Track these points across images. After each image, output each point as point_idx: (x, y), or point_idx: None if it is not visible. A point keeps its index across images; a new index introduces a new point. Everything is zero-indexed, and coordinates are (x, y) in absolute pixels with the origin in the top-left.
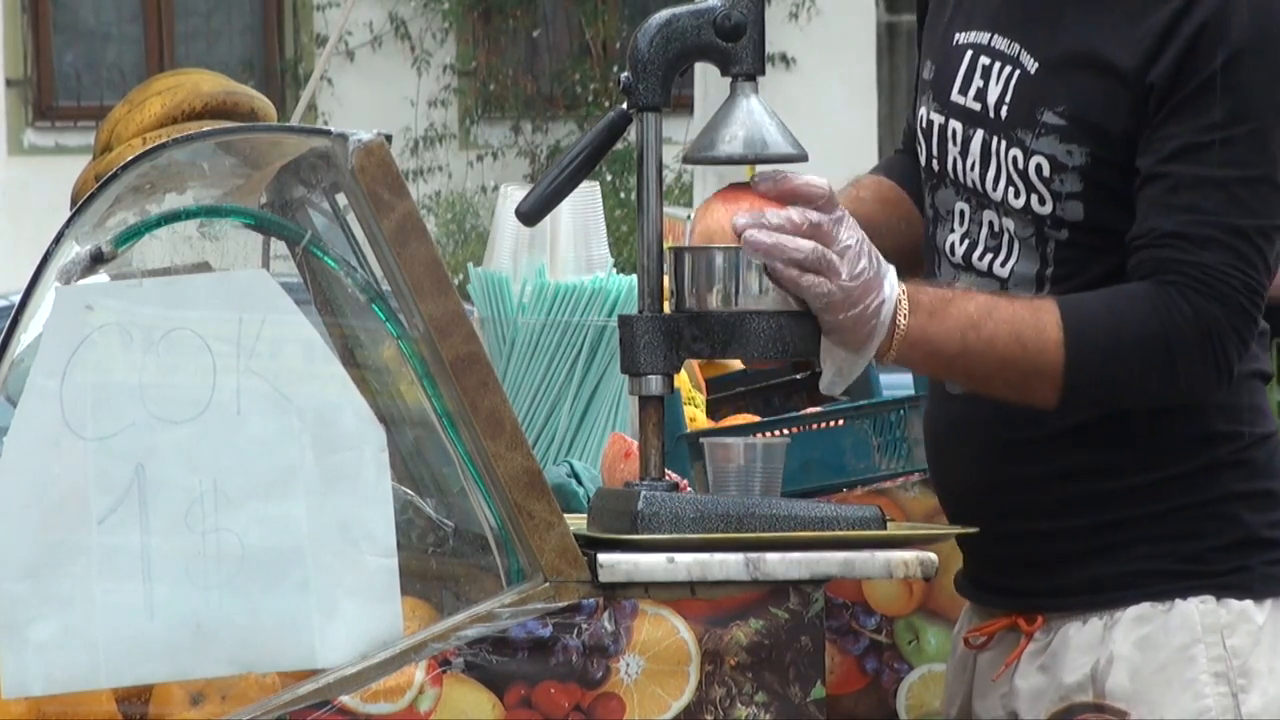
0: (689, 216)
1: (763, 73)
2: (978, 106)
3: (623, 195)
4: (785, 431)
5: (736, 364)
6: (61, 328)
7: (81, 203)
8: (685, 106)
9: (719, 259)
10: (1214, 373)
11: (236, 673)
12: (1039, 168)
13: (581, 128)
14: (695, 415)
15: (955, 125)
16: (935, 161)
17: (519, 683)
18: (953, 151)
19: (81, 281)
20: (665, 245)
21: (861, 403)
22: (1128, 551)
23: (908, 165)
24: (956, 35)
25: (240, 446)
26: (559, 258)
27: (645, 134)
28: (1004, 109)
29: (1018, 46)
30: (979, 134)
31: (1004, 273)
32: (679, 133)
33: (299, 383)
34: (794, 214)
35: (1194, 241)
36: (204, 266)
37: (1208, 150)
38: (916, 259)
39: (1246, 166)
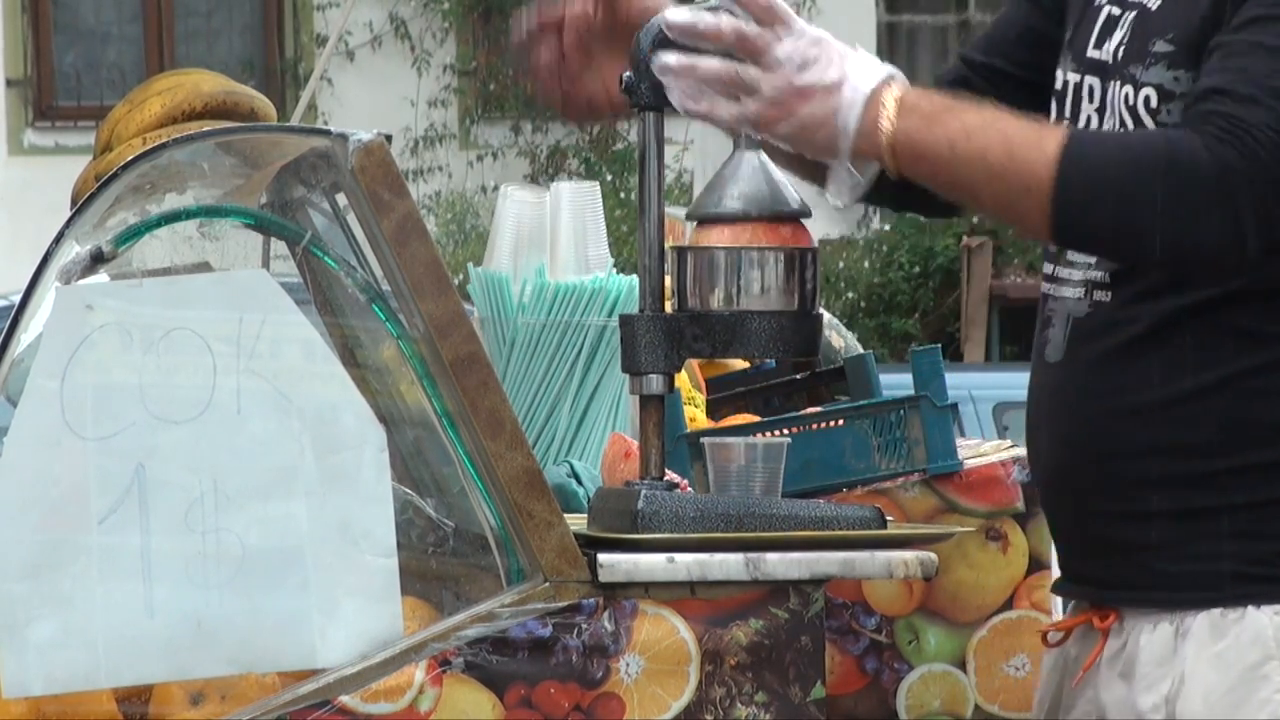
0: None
1: None
2: (1108, 58)
3: (623, 195)
4: (785, 431)
5: (736, 364)
6: (61, 328)
7: (81, 203)
8: None
9: (721, 259)
10: (1219, 221)
11: (236, 673)
12: (1147, 100)
13: (581, 128)
14: (695, 415)
15: (1091, 81)
16: (1068, 123)
17: (519, 683)
18: (1087, 110)
19: (81, 281)
20: (666, 245)
21: (861, 403)
22: (1198, 546)
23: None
24: None
25: (240, 446)
26: (559, 258)
27: (646, 133)
28: (1121, 50)
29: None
30: (1105, 86)
31: None
32: (679, 133)
33: (299, 383)
34: (724, 23)
35: (1234, 97)
36: (204, 266)
37: (1271, 22)
38: None
39: None
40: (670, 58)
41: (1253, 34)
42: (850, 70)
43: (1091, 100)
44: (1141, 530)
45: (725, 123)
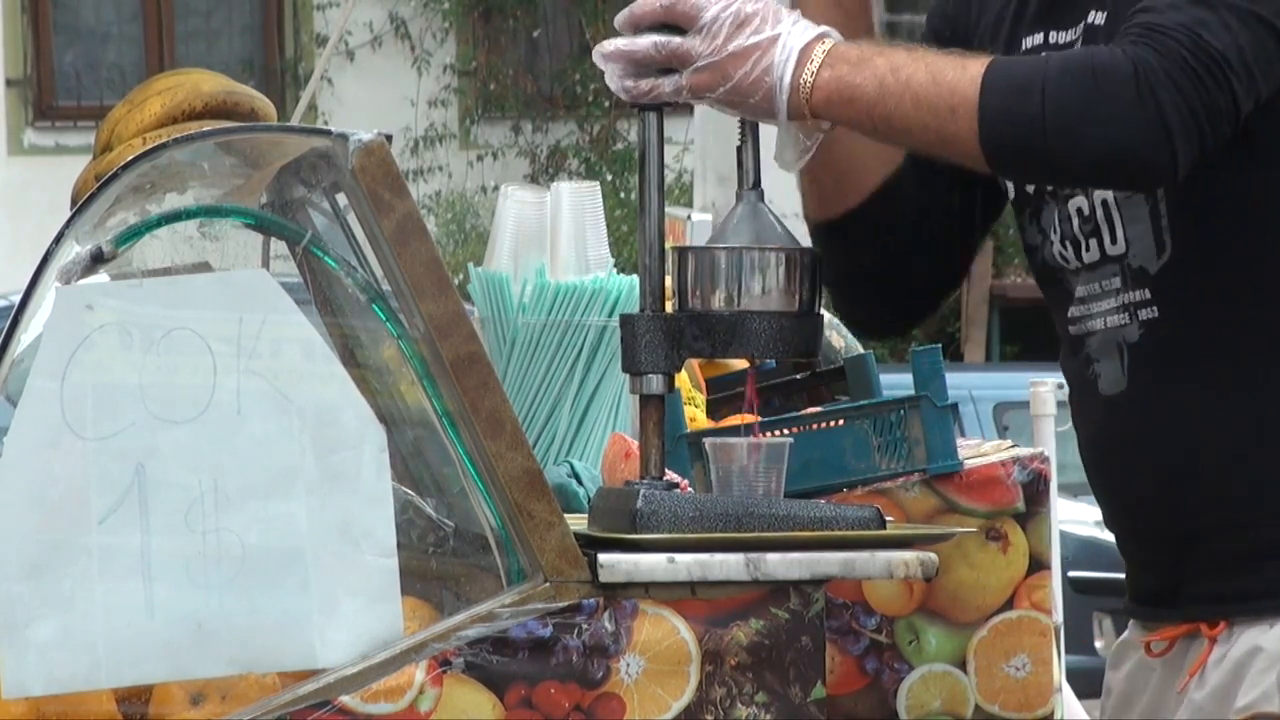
0: (689, 216)
1: None
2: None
3: (623, 195)
4: (785, 431)
5: (737, 364)
6: (61, 328)
7: (82, 203)
8: (686, 106)
9: (722, 259)
10: (1142, 119)
11: (236, 673)
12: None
13: (581, 128)
14: (695, 415)
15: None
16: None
17: (519, 683)
18: None
19: (81, 281)
20: (667, 245)
21: (861, 403)
22: None
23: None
24: (1024, 39)
25: (240, 446)
26: (559, 258)
27: (646, 134)
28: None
29: (1093, 13)
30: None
31: (1116, 248)
32: (679, 133)
33: (299, 383)
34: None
35: (1154, 11)
36: (204, 266)
37: None
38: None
39: None
40: (607, 45)
41: None
42: (784, 29)
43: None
44: (1250, 541)
45: (668, 97)
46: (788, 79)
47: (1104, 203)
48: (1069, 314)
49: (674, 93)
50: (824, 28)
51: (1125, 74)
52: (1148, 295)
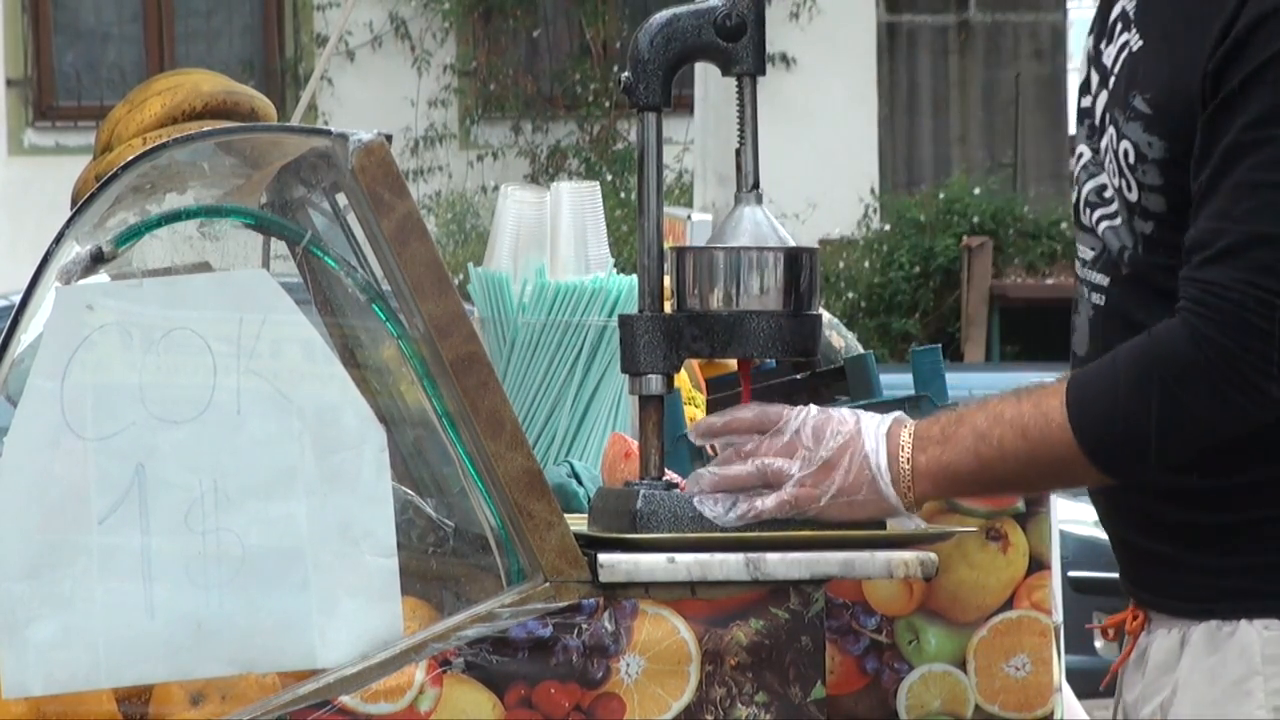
0: (689, 216)
1: (763, 73)
2: (1107, 64)
3: (623, 195)
4: None
5: (737, 364)
6: (61, 328)
7: (82, 203)
8: (686, 106)
9: (720, 259)
10: (1231, 395)
11: (236, 673)
12: (1126, 153)
13: (581, 128)
14: (695, 415)
15: (1094, 75)
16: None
17: (519, 683)
18: (1090, 100)
19: (82, 281)
20: (666, 245)
21: (861, 403)
22: (1202, 560)
23: None
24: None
25: (240, 446)
26: (559, 258)
27: (646, 134)
28: (1111, 80)
29: (1135, 8)
30: (1103, 94)
31: (1103, 226)
32: (679, 133)
33: (299, 383)
34: (745, 467)
35: (1209, 254)
36: (204, 266)
37: (1246, 152)
38: None
39: None
40: (705, 478)
41: (1227, 166)
42: (859, 421)
43: (1091, 92)
44: (1157, 540)
45: (772, 513)
46: (884, 466)
47: (1103, 189)
48: (1080, 255)
49: (779, 508)
50: (893, 414)
51: (1198, 368)
52: (1108, 275)
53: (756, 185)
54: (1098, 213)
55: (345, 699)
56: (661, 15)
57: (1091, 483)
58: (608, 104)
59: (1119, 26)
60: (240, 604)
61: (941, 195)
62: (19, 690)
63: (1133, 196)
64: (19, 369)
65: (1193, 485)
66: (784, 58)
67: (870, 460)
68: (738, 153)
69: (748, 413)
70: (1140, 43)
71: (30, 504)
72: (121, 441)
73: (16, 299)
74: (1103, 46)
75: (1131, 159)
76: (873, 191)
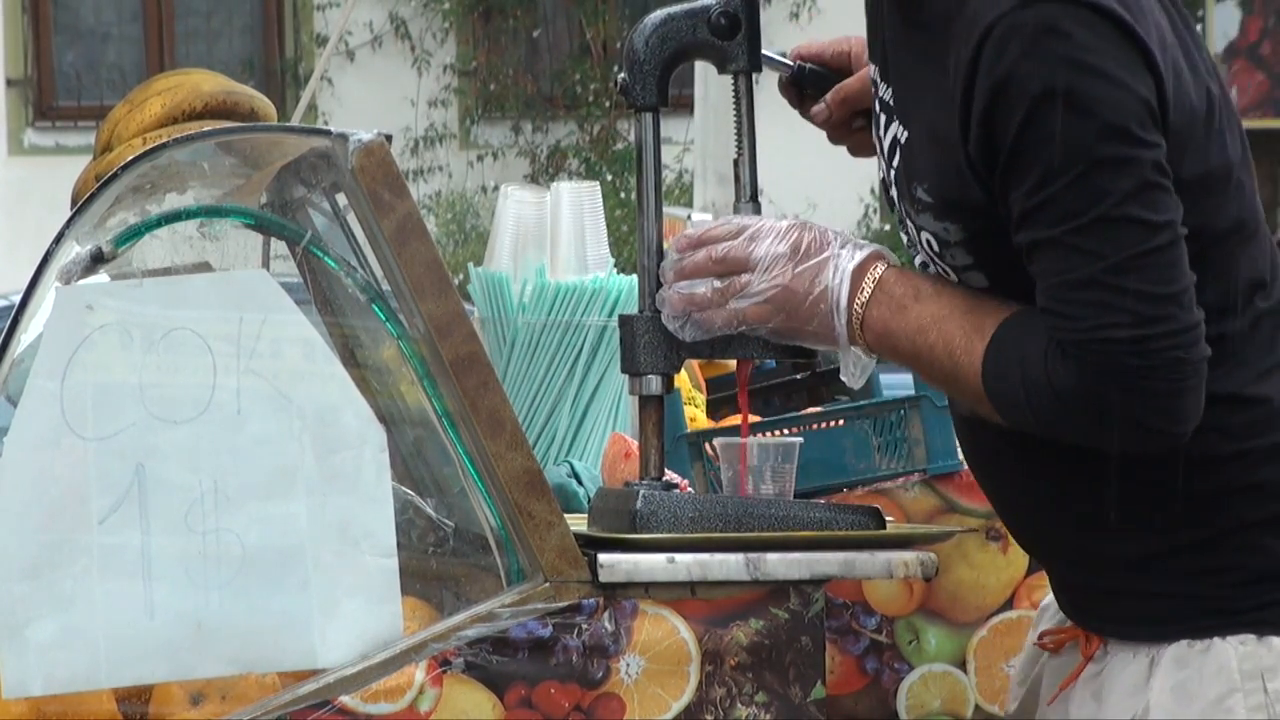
0: (689, 216)
1: (759, 70)
2: (885, 152)
3: (623, 195)
4: (786, 431)
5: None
6: (62, 328)
7: (82, 203)
8: (686, 106)
9: None
10: (1138, 433)
11: (236, 673)
12: (929, 242)
13: (581, 128)
14: (695, 415)
15: (880, 162)
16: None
17: (519, 683)
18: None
19: (82, 281)
20: (665, 245)
21: (861, 403)
22: (1162, 584)
23: None
24: (872, 68)
25: (240, 446)
26: (559, 258)
27: (643, 134)
28: (893, 172)
29: (892, 97)
30: (891, 185)
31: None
32: (679, 132)
33: (299, 383)
34: (700, 255)
35: (1055, 314)
36: (204, 266)
37: (1038, 213)
38: None
39: (1078, 215)
40: (670, 295)
41: (1030, 232)
42: (832, 252)
43: (889, 181)
44: (1108, 574)
45: (721, 328)
46: (843, 304)
47: (927, 266)
48: None
49: (727, 323)
50: (875, 246)
51: (1087, 407)
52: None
53: (755, 196)
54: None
55: (345, 699)
56: (656, 15)
57: (990, 417)
58: (608, 104)
59: (883, 118)
60: (240, 604)
61: None
62: (19, 690)
63: (954, 279)
64: (19, 369)
65: (1142, 516)
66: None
67: (831, 294)
68: (736, 163)
69: (724, 227)
70: (905, 134)
71: (30, 504)
72: (121, 441)
73: (16, 299)
74: (879, 133)
75: (936, 247)
76: (873, 191)
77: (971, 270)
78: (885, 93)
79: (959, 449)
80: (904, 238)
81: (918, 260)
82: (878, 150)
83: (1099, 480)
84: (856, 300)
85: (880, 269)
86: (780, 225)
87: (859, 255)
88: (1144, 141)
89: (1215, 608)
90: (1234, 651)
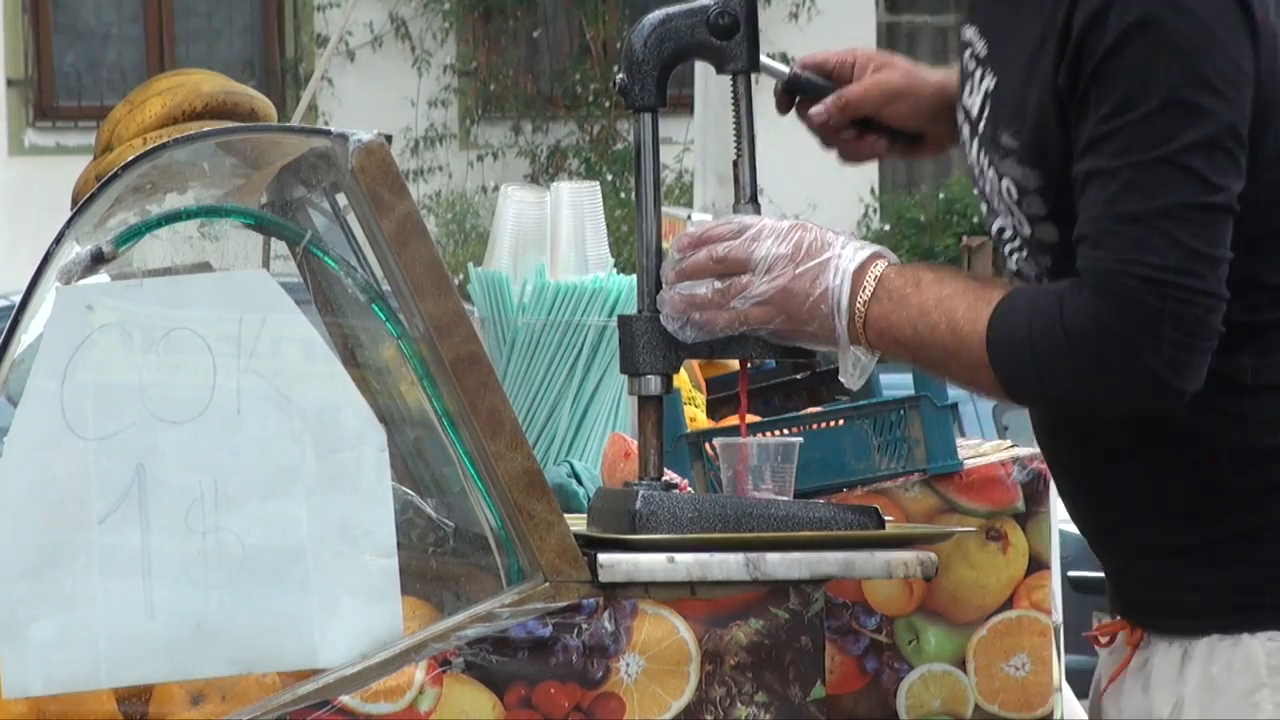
0: (689, 216)
1: (758, 70)
2: (973, 112)
3: (623, 195)
4: (786, 431)
5: (736, 364)
6: (62, 328)
7: (82, 203)
8: (686, 106)
9: None
10: (1128, 377)
11: (237, 673)
12: (1009, 191)
13: (581, 128)
14: (695, 415)
15: (965, 129)
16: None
17: (519, 683)
18: (973, 153)
19: (82, 281)
20: (665, 245)
21: (861, 403)
22: (1196, 576)
23: None
24: (964, 28)
25: (240, 446)
26: (559, 258)
27: (642, 134)
28: (981, 124)
29: (985, 49)
30: (975, 147)
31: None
32: (678, 133)
33: (299, 383)
34: (700, 255)
35: (1091, 241)
36: (204, 266)
37: (1103, 142)
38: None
39: (1141, 150)
40: (672, 297)
41: (1092, 160)
42: (834, 253)
43: (969, 149)
44: (1149, 564)
45: (724, 329)
46: (844, 304)
47: (1004, 230)
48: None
49: (728, 325)
50: (876, 247)
51: (1098, 346)
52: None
53: (755, 198)
54: (1008, 248)
55: (345, 699)
56: (654, 15)
57: (992, 395)
58: (608, 104)
59: (976, 72)
60: (240, 604)
61: (941, 195)
62: (19, 690)
63: (1026, 232)
64: (19, 369)
65: (1180, 508)
66: (784, 58)
67: (832, 295)
68: (735, 163)
69: (725, 227)
70: (994, 80)
71: (30, 504)
72: (121, 441)
73: (16, 299)
74: (966, 98)
75: (1015, 195)
76: (873, 191)
77: (1045, 222)
78: (979, 46)
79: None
80: (981, 196)
81: (994, 227)
82: (961, 118)
83: (1149, 470)
84: (858, 299)
85: (881, 266)
86: (781, 226)
87: (860, 255)
88: (1225, 98)
89: (1247, 603)
90: (1262, 648)
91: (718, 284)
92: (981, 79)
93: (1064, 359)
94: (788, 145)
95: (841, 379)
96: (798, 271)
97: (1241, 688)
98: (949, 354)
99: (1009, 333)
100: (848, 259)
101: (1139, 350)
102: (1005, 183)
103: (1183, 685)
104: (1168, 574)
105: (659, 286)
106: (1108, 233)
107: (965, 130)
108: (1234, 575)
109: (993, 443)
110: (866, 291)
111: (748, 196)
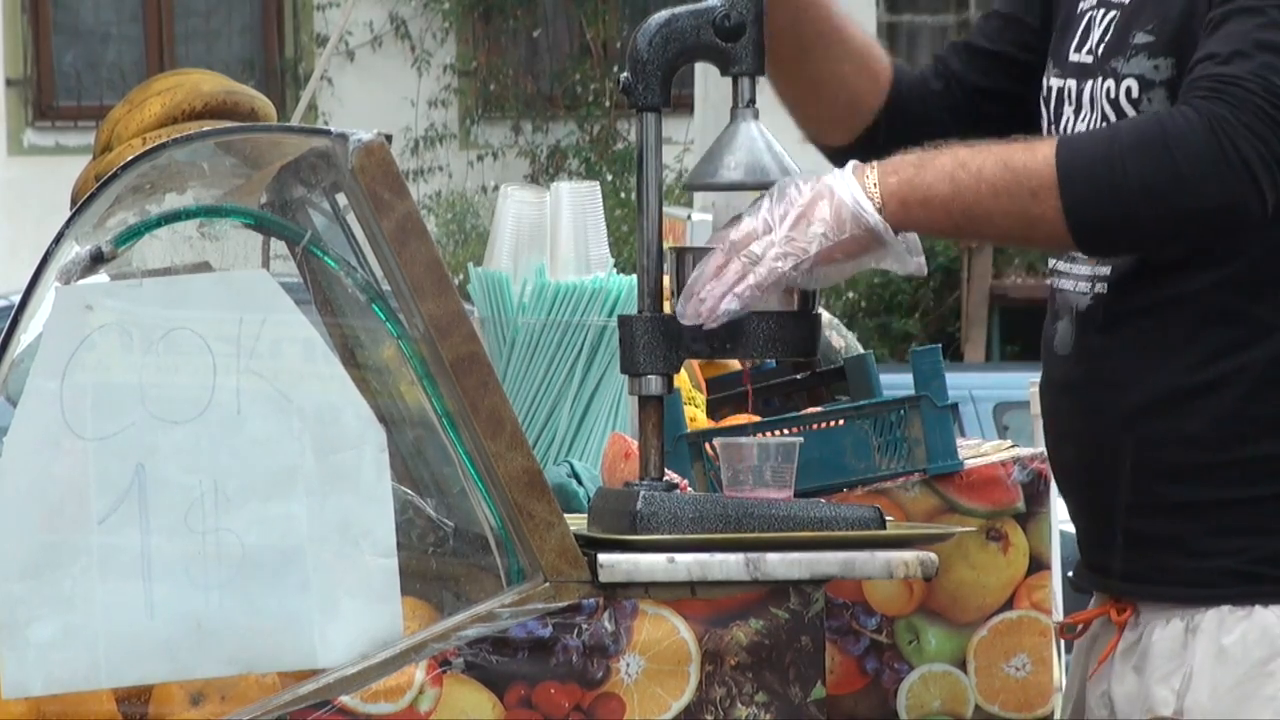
0: (689, 216)
1: (763, 73)
2: (1088, 59)
3: (623, 195)
4: (786, 431)
5: (737, 364)
6: (61, 328)
7: (81, 203)
8: (686, 106)
9: None
10: (1227, 173)
11: (236, 673)
12: (1128, 91)
13: (581, 128)
14: (695, 415)
15: (1070, 84)
16: (1053, 127)
17: (519, 683)
18: (1067, 113)
19: (81, 281)
20: (665, 245)
21: (861, 403)
22: (1207, 542)
23: (918, 78)
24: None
25: (240, 446)
26: (559, 258)
27: (645, 134)
28: (1101, 46)
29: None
30: (1087, 85)
31: None
32: (679, 133)
33: (299, 383)
34: (709, 262)
35: (1218, 59)
36: (204, 266)
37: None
38: (861, 96)
39: None
40: (699, 307)
41: (1233, 4)
42: (824, 177)
43: (1070, 102)
44: (1155, 524)
45: (766, 281)
46: (860, 196)
47: None
48: (1057, 268)
49: (771, 276)
50: (851, 162)
51: (1200, 134)
52: (1107, 270)
53: (753, 101)
54: None
55: (345, 699)
56: (660, 15)
57: (1050, 238)
58: (608, 104)
59: (1093, 19)
60: (240, 604)
61: None
62: (19, 690)
63: None
64: (19, 369)
65: (1197, 460)
66: None
67: (839, 193)
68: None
69: (717, 258)
70: None
71: (30, 504)
72: (121, 441)
73: (16, 299)
74: (1073, 56)
75: (1135, 93)
76: None
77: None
78: None
79: (1043, 401)
80: (1066, 111)
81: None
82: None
83: (1188, 404)
84: (868, 182)
85: (874, 164)
86: (761, 201)
87: (847, 168)
88: None
89: (1260, 573)
90: (1276, 619)
91: (738, 261)
92: (1107, 14)
93: (1157, 152)
94: (787, 145)
95: (896, 269)
96: (804, 201)
97: (1259, 657)
98: (999, 192)
99: (1083, 147)
100: (836, 174)
101: (1238, 138)
102: (1125, 84)
103: (1188, 659)
104: (1174, 533)
105: (659, 287)
106: (1240, 54)
107: (1072, 83)
108: (1251, 542)
109: (993, 443)
110: (872, 175)
111: (746, 101)
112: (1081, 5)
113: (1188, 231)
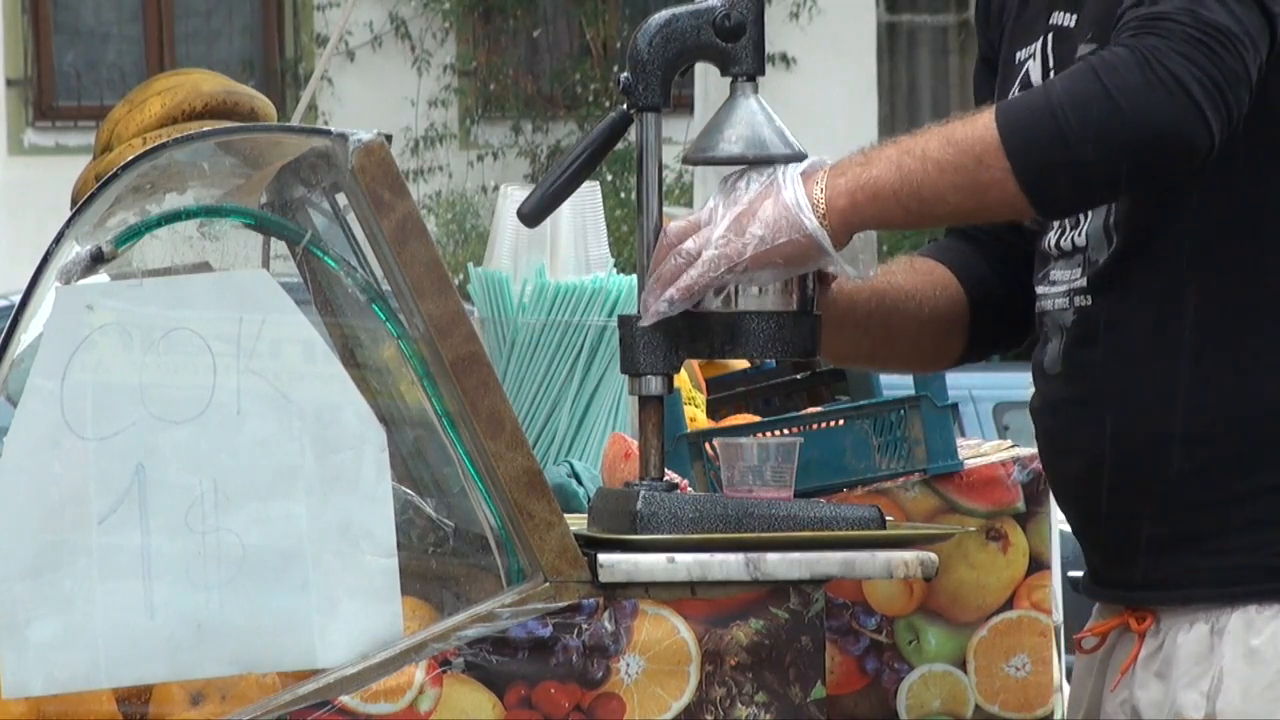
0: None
1: (763, 73)
2: (1041, 56)
3: (623, 195)
4: (787, 431)
5: (736, 364)
6: (61, 328)
7: (82, 203)
8: (685, 106)
9: None
10: (1165, 93)
11: (237, 673)
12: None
13: (581, 128)
14: (695, 415)
15: (1039, 58)
16: None
17: (519, 683)
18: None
19: (81, 281)
20: None
21: (861, 403)
22: (1224, 540)
23: (952, 244)
24: (1017, 53)
25: (240, 446)
26: (559, 258)
27: (645, 134)
28: (1049, 75)
29: (1070, 17)
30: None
31: (1081, 239)
32: (679, 133)
33: (299, 383)
34: (659, 253)
35: (1144, 3)
36: (204, 266)
37: None
38: (950, 322)
39: None
40: (657, 305)
41: None
42: (775, 171)
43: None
44: (1171, 527)
45: (700, 281)
46: (800, 198)
47: None
48: (1038, 292)
49: (702, 274)
50: (817, 157)
51: (1133, 66)
52: (1084, 281)
53: (753, 76)
54: (1070, 235)
55: (345, 699)
56: (660, 15)
57: (1002, 202)
58: (608, 104)
59: (1032, 68)
60: (240, 604)
61: None
62: (19, 690)
63: None
64: (19, 369)
65: (1205, 456)
66: (784, 58)
67: (784, 195)
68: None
69: (659, 250)
70: (1074, 18)
71: (30, 504)
72: (121, 441)
73: (16, 299)
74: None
75: None
76: None
77: None
78: (1039, 45)
79: (1038, 423)
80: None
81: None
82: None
83: (1206, 405)
84: (815, 188)
85: (825, 163)
86: (714, 198)
87: (802, 164)
88: None
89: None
90: None
91: (674, 260)
92: (1045, 48)
93: (1093, 91)
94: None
95: (840, 274)
96: (749, 196)
97: None
98: (945, 168)
99: (1020, 104)
100: (790, 168)
101: (1175, 67)
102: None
103: (1217, 661)
104: (1197, 533)
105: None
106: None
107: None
108: (1271, 534)
109: (993, 443)
110: (822, 179)
111: (746, 75)
112: (1019, 55)
113: (1138, 168)
